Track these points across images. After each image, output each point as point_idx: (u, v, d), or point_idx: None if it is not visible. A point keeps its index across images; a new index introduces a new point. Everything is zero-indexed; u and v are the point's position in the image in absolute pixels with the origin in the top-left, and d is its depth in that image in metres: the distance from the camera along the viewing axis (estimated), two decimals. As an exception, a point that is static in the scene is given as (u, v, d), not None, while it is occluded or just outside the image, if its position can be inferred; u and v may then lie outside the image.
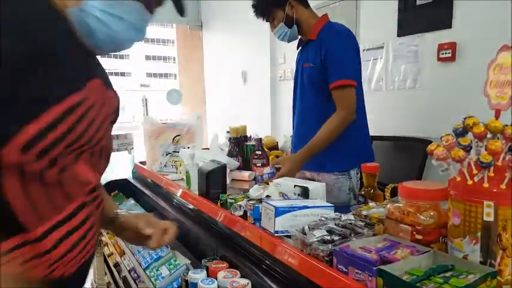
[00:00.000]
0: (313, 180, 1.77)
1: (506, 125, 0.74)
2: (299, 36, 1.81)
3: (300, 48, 1.87)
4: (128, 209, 2.30)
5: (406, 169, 2.25)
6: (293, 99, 1.91)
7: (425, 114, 2.31)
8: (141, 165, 2.48)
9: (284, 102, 3.69)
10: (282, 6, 1.70)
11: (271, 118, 3.86)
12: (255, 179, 2.07)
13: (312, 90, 1.72)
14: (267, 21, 1.79)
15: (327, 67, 1.62)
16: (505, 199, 0.70)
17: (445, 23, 2.14)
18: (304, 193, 1.34)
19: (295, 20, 1.72)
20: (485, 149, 0.71)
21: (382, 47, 2.54)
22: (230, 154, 2.22)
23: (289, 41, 1.82)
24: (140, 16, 0.75)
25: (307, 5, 1.77)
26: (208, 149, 2.44)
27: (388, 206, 0.93)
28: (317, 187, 1.34)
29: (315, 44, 1.70)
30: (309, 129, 1.70)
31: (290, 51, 3.52)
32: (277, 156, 2.45)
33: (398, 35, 2.42)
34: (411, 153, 2.29)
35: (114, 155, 2.73)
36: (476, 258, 0.73)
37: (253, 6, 1.78)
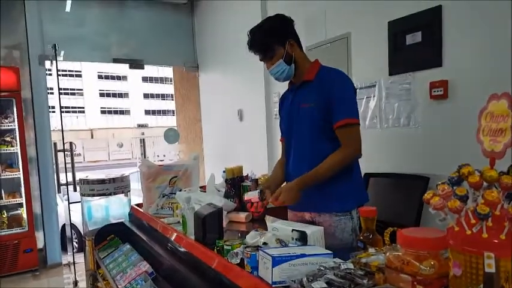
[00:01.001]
0: (313, 222, 1.75)
1: (502, 173, 0.73)
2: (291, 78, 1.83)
3: (289, 91, 1.88)
4: (124, 254, 2.24)
5: (405, 206, 2.23)
6: (286, 139, 1.90)
7: (421, 151, 2.33)
8: (138, 207, 2.45)
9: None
10: (283, 44, 1.71)
11: (268, 156, 3.86)
12: (252, 220, 2.04)
13: (311, 129, 1.72)
14: (264, 57, 1.77)
15: (332, 107, 1.64)
16: (506, 250, 0.68)
17: (436, 61, 2.20)
18: (302, 238, 1.31)
19: (294, 59, 1.74)
20: (482, 199, 0.70)
21: (375, 86, 2.59)
22: (227, 195, 2.20)
23: (284, 80, 1.83)
24: None
25: (301, 48, 1.81)
26: (205, 187, 2.42)
27: (388, 254, 0.91)
28: (315, 232, 1.31)
29: (313, 85, 1.72)
30: (305, 166, 1.69)
31: (284, 89, 3.58)
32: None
33: (390, 74, 2.48)
34: (409, 190, 2.29)
35: (110, 198, 2.70)
36: (481, 312, 0.70)
37: (251, 42, 1.76)
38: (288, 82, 1.89)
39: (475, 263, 0.71)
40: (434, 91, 2.19)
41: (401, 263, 0.86)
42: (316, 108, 1.68)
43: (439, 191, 0.75)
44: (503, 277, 0.68)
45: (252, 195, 1.86)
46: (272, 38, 1.72)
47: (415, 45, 2.30)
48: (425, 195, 0.78)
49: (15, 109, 4.09)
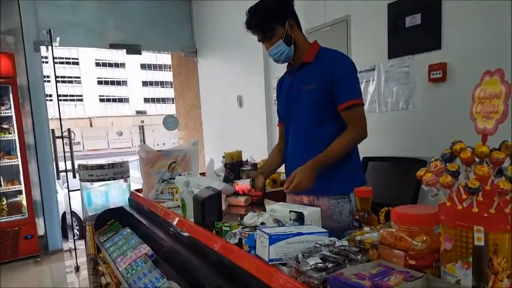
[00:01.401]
0: (312, 205, 1.76)
1: (494, 149, 0.75)
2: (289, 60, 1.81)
3: (289, 72, 1.86)
4: (124, 238, 2.27)
5: (402, 189, 2.25)
6: (285, 123, 1.89)
7: (419, 135, 2.33)
8: (137, 193, 2.47)
9: (279, 125, 3.72)
10: (283, 24, 1.67)
11: (268, 141, 3.87)
12: (251, 203, 2.06)
13: (312, 111, 1.72)
14: (263, 37, 1.73)
15: (336, 88, 1.63)
16: (495, 223, 0.70)
17: (435, 44, 2.19)
18: (300, 218, 1.33)
19: (293, 40, 1.71)
20: (474, 174, 0.71)
21: (374, 69, 2.58)
22: (226, 179, 2.21)
23: (283, 62, 1.80)
24: None
25: (301, 29, 1.78)
26: (204, 173, 2.44)
27: (381, 231, 0.93)
28: (312, 212, 1.33)
29: (313, 66, 1.71)
30: (305, 149, 1.71)
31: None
32: (274, 181, 2.46)
33: (389, 57, 2.47)
34: (407, 173, 2.30)
35: (110, 184, 2.71)
36: (469, 283, 0.73)
37: (250, 21, 1.71)
38: (286, 65, 1.88)
39: (465, 237, 0.73)
40: (433, 74, 2.19)
41: (394, 239, 0.88)
42: (318, 90, 1.67)
43: (431, 168, 0.77)
44: (492, 250, 0.70)
45: (243, 184, 1.86)
46: (272, 18, 1.68)
47: (414, 27, 2.29)
48: (419, 171, 0.79)
49: (11, 96, 4.08)
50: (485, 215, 0.70)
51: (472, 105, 0.81)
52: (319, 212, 1.37)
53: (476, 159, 0.74)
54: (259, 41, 1.77)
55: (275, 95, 3.69)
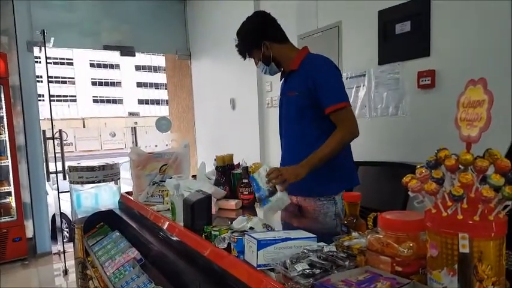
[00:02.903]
0: (299, 206, 1.78)
1: (478, 157, 0.75)
2: (281, 70, 1.90)
3: (283, 79, 1.94)
4: (113, 242, 2.25)
5: (392, 194, 2.25)
6: (279, 128, 1.97)
7: (408, 140, 2.35)
8: (128, 195, 2.45)
9: (272, 128, 3.72)
10: (258, 47, 1.81)
11: (260, 144, 3.88)
12: (242, 207, 2.06)
13: (297, 117, 1.78)
14: (246, 58, 1.92)
15: (319, 94, 1.68)
16: (479, 231, 0.70)
17: (424, 51, 2.22)
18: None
19: (272, 57, 1.82)
20: (458, 181, 0.72)
21: (364, 75, 2.60)
22: (217, 183, 2.21)
23: (272, 75, 1.94)
24: None
25: (282, 41, 1.85)
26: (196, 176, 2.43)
27: (369, 237, 0.93)
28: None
29: (298, 73, 1.77)
30: (295, 156, 1.73)
31: (276, 79, 3.58)
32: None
33: (380, 63, 2.49)
34: (396, 178, 2.29)
35: (100, 186, 2.69)
36: (455, 290, 0.73)
37: (236, 46, 1.91)
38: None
39: (450, 243, 0.73)
40: (422, 80, 2.21)
41: (381, 245, 0.88)
42: (301, 96, 1.73)
43: (417, 174, 0.77)
44: (476, 257, 0.71)
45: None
46: (247, 44, 1.85)
47: (404, 34, 2.32)
48: (405, 178, 0.80)
49: (3, 96, 4.04)
50: (470, 222, 0.71)
51: (456, 113, 0.82)
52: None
53: (461, 167, 0.75)
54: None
55: (268, 98, 3.75)
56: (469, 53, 2.02)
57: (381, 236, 0.89)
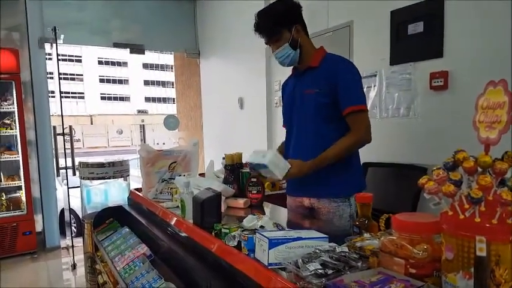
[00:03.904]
0: (312, 208, 1.77)
1: (496, 159, 0.75)
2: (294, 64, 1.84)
3: (293, 76, 1.90)
4: (122, 237, 2.27)
5: (402, 196, 2.25)
6: (288, 125, 1.92)
7: (420, 142, 2.33)
8: (137, 192, 2.47)
9: (280, 128, 3.71)
10: (289, 28, 1.72)
11: (268, 144, 3.87)
12: (250, 206, 2.06)
13: (315, 115, 1.74)
14: (269, 40, 1.77)
15: (340, 94, 1.67)
16: (497, 234, 0.69)
17: (437, 52, 2.20)
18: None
19: (299, 44, 1.75)
20: (476, 184, 0.71)
21: (376, 75, 2.58)
22: (226, 181, 2.21)
23: (288, 65, 1.82)
24: None
25: (307, 35, 1.81)
26: (204, 174, 2.43)
27: (382, 238, 0.92)
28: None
29: (318, 71, 1.74)
30: (309, 153, 1.72)
31: (285, 78, 3.58)
32: (273, 184, 2.46)
33: (391, 63, 2.47)
34: (406, 180, 2.30)
35: (110, 182, 2.71)
36: (471, 294, 0.72)
37: (258, 25, 1.76)
38: (291, 69, 1.90)
39: (467, 246, 0.72)
40: (435, 81, 2.19)
41: (395, 246, 0.88)
42: (321, 94, 1.70)
43: (434, 176, 0.77)
44: (494, 261, 0.70)
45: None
46: (279, 22, 1.72)
47: (416, 35, 2.30)
48: (421, 179, 0.79)
49: (14, 92, 4.08)
50: (488, 225, 0.70)
51: (475, 115, 0.81)
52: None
53: (479, 169, 0.74)
54: (266, 43, 1.80)
55: (277, 98, 3.74)
56: (483, 54, 1.99)
57: (395, 238, 0.89)
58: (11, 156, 4.19)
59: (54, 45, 4.07)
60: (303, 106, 1.78)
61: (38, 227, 4.29)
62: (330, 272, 0.88)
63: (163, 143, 6.74)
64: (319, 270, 0.89)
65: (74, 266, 3.78)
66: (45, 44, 4.30)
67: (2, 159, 4.16)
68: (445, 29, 2.15)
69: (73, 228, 4.98)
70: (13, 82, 4.06)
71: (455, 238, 0.74)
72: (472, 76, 2.05)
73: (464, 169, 0.74)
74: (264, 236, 1.06)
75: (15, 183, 4.25)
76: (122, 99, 42.35)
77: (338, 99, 1.67)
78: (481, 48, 2.01)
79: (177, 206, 1.96)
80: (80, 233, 4.00)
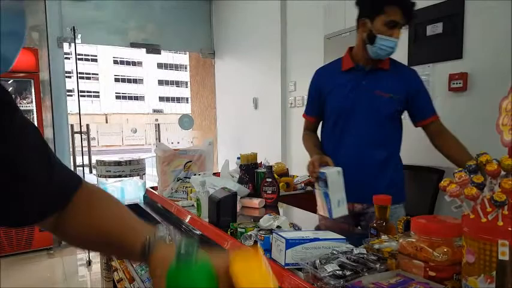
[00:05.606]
0: (365, 213, 1.78)
1: (520, 162, 0.73)
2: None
3: (347, 70, 1.77)
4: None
5: (419, 198, 2.22)
6: (338, 117, 1.79)
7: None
8: (153, 190, 2.50)
9: (295, 128, 3.71)
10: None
11: (282, 144, 3.87)
12: (265, 206, 2.07)
13: (382, 119, 1.72)
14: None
15: (420, 103, 1.73)
16: (521, 238, 0.69)
17: (456, 53, 2.17)
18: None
19: None
20: (499, 187, 0.70)
21: (393, 76, 2.56)
22: (241, 181, 2.22)
23: (384, 56, 1.69)
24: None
25: None
26: (219, 173, 2.45)
27: (401, 240, 0.92)
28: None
29: (390, 75, 1.71)
30: (365, 156, 1.73)
31: (301, 78, 3.58)
32: (287, 185, 2.46)
33: (410, 65, 2.44)
34: (424, 182, 2.27)
35: (126, 180, 2.74)
36: (492, 298, 0.71)
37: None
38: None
39: (488, 250, 0.72)
40: (453, 83, 2.16)
41: (414, 249, 0.87)
42: (396, 100, 1.71)
43: (456, 179, 0.76)
44: (517, 265, 0.69)
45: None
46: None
47: (435, 36, 2.27)
48: (442, 182, 0.78)
49: (33, 90, 4.17)
50: (511, 229, 0.69)
51: (498, 117, 0.80)
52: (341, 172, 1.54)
53: (502, 172, 0.73)
54: (394, 26, 1.65)
55: (291, 98, 3.73)
56: (504, 55, 1.96)
57: (414, 240, 0.88)
58: (30, 153, 4.27)
59: (73, 44, 4.15)
60: (372, 106, 1.70)
61: (55, 224, 4.36)
62: (348, 273, 0.88)
63: (178, 142, 6.80)
64: (337, 272, 0.89)
65: (89, 263, 3.84)
66: (64, 43, 4.39)
67: (21, 156, 4.24)
68: (465, 29, 2.12)
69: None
70: (32, 81, 4.14)
71: (477, 241, 0.73)
72: (492, 78, 2.01)
73: (487, 172, 0.73)
74: (281, 236, 1.07)
75: (33, 180, 4.33)
76: (136, 98, 42.83)
77: (416, 108, 1.73)
78: (502, 49, 1.97)
79: (192, 205, 1.98)
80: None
